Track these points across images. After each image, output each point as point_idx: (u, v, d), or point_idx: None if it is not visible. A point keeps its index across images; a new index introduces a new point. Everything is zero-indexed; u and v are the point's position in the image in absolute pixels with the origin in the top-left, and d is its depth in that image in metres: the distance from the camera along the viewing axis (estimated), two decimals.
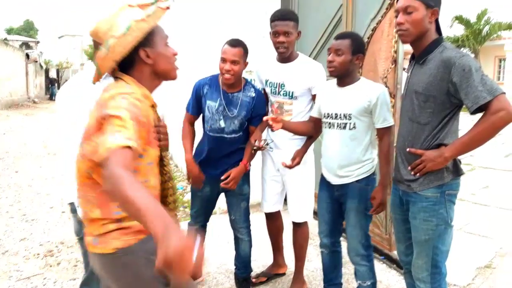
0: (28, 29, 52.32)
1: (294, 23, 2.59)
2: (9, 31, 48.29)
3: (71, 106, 1.87)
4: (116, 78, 1.49)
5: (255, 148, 2.62)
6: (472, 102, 1.77)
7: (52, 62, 39.48)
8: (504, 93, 1.80)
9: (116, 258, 1.42)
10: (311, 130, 2.59)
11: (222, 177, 2.60)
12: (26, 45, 35.66)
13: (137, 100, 1.36)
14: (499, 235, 4.08)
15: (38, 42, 41.51)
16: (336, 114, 2.35)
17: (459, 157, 1.96)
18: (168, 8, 1.47)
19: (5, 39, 27.05)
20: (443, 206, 1.93)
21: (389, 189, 2.29)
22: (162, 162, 1.56)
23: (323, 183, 2.52)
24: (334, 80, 2.42)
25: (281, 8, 2.77)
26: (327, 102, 2.42)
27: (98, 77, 1.49)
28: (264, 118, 2.39)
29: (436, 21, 1.92)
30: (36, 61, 27.19)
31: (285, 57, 2.68)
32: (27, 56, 24.36)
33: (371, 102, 2.24)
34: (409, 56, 2.12)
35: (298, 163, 2.61)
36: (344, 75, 2.32)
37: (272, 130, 2.40)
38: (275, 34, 2.60)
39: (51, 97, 27.87)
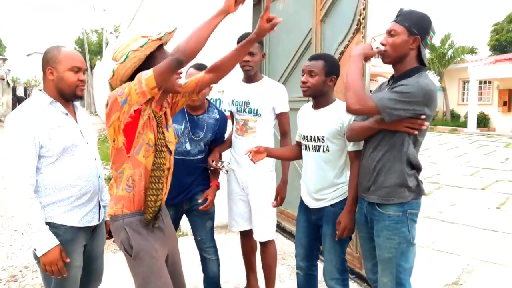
0: None
1: (258, 44, 2.73)
2: None
3: (22, 136, 1.86)
4: None
5: (211, 168, 2.67)
6: (373, 95, 1.98)
7: (20, 80, 38.52)
8: (380, 114, 1.91)
9: (111, 222, 1.92)
10: (297, 154, 2.58)
11: (200, 200, 2.63)
12: None
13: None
14: (466, 252, 4.19)
15: (5, 59, 40.41)
16: (310, 136, 2.38)
17: (421, 178, 2.04)
18: (159, 39, 1.80)
19: None
20: (405, 225, 1.99)
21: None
22: (158, 154, 1.88)
23: (302, 207, 2.53)
24: (311, 103, 2.46)
25: (247, 32, 2.86)
26: (303, 125, 2.46)
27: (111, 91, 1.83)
28: (246, 152, 2.41)
29: (419, 50, 1.99)
30: (3, 79, 26.44)
31: (250, 75, 2.79)
32: None
33: (343, 125, 2.27)
34: (377, 78, 2.20)
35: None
36: (317, 96, 2.36)
37: (254, 163, 2.42)
38: None
39: None
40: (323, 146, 2.32)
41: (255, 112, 2.77)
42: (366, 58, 2.09)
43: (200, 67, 2.57)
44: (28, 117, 1.88)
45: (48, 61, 1.95)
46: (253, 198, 2.83)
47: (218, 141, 2.78)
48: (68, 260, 1.91)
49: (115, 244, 4.13)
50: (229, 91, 2.96)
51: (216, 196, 2.75)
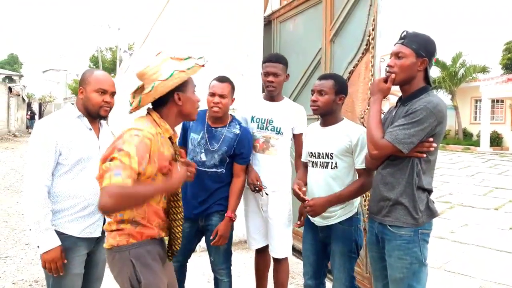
0: (12, 62, 52.26)
1: (283, 66, 2.82)
2: None
3: (46, 140, 2.04)
4: (147, 113, 1.87)
5: (257, 189, 2.67)
6: (386, 132, 1.99)
7: (35, 96, 39.28)
8: (397, 149, 1.92)
9: (111, 253, 1.81)
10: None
11: (212, 237, 2.59)
12: (9, 78, 35.49)
13: (147, 139, 1.70)
14: (479, 273, 4.12)
15: (21, 76, 41.35)
16: (318, 153, 2.40)
17: (433, 198, 2.04)
18: (203, 66, 1.86)
19: None
20: (417, 245, 1.98)
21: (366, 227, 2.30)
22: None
23: (308, 224, 2.53)
24: (318, 121, 2.49)
25: (272, 53, 2.96)
26: (311, 142, 2.49)
27: (136, 109, 1.84)
28: (296, 188, 2.38)
29: (426, 71, 2.02)
30: (19, 95, 27.00)
31: (273, 95, 2.85)
32: (10, 89, 24.20)
33: (352, 143, 2.30)
34: (388, 96, 2.22)
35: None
36: (327, 115, 2.40)
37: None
38: (266, 74, 2.81)
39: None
40: (332, 162, 2.35)
41: (277, 130, 2.82)
42: (384, 95, 2.12)
43: (223, 79, 2.65)
44: (55, 124, 2.09)
45: (81, 82, 2.19)
46: (272, 216, 2.84)
47: (239, 157, 2.68)
48: (66, 261, 2.06)
49: None
50: (248, 108, 2.96)
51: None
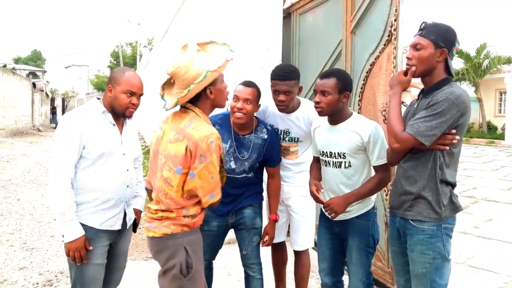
0: (35, 58, 53.32)
1: (294, 81, 2.61)
2: (17, 60, 49.22)
3: (71, 133, 2.10)
4: (183, 108, 1.98)
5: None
6: (407, 124, 1.94)
7: (58, 91, 40.07)
8: (419, 142, 1.88)
9: (161, 240, 1.93)
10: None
11: (260, 241, 2.66)
12: (33, 74, 36.34)
13: (218, 139, 1.91)
14: (503, 269, 4.03)
15: (45, 71, 42.24)
16: (330, 152, 2.36)
17: (456, 192, 1.99)
18: (231, 60, 1.92)
19: (13, 68, 27.53)
20: (439, 240, 1.94)
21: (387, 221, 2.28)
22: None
23: (323, 219, 2.51)
24: (326, 118, 2.42)
25: (282, 65, 2.77)
26: (321, 141, 2.43)
27: (173, 107, 1.93)
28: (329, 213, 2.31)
29: (446, 62, 1.97)
30: (42, 90, 27.58)
31: (286, 112, 2.73)
32: (34, 85, 24.73)
33: (363, 140, 2.25)
34: (410, 89, 2.18)
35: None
36: (333, 114, 2.33)
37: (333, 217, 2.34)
38: (275, 92, 2.62)
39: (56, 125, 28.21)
40: (345, 162, 2.31)
41: (295, 139, 2.78)
42: (404, 88, 2.07)
43: (248, 83, 2.56)
44: (80, 119, 2.15)
45: (111, 79, 2.24)
46: (296, 208, 2.83)
47: (270, 161, 2.68)
48: (91, 248, 2.14)
49: (146, 252, 4.22)
50: (267, 113, 2.85)
51: (261, 209, 2.73)
